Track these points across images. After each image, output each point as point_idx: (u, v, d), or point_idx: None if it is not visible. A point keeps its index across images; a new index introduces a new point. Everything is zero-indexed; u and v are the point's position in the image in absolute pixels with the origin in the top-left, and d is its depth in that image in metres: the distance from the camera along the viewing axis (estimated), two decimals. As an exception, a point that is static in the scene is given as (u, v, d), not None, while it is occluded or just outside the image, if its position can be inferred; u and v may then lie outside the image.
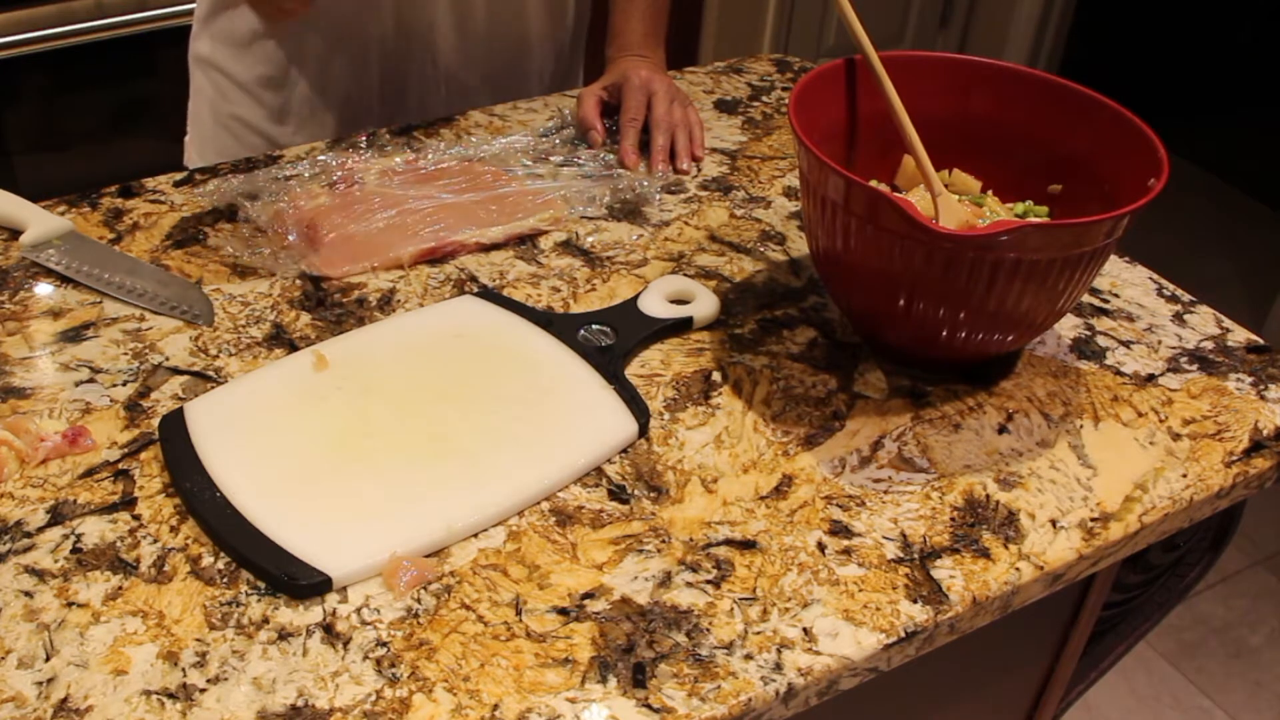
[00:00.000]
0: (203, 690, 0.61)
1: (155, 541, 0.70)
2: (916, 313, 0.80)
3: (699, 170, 1.13)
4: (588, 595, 0.68)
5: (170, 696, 0.61)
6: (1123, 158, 0.85)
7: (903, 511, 0.76)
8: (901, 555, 0.72)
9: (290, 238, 0.97)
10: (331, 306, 0.91)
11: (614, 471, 0.77)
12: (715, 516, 0.74)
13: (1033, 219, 0.89)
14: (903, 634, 0.68)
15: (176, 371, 0.83)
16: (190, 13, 1.27)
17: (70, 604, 0.66)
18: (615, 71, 1.20)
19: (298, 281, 0.93)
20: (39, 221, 0.95)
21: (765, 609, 0.68)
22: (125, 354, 0.85)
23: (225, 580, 0.68)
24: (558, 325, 0.88)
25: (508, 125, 1.18)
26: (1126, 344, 0.93)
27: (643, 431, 0.80)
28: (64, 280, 0.91)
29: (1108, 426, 0.84)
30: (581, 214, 1.04)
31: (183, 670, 0.62)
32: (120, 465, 0.75)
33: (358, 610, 0.67)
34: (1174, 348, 0.93)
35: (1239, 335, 0.95)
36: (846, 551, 0.72)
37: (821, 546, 0.73)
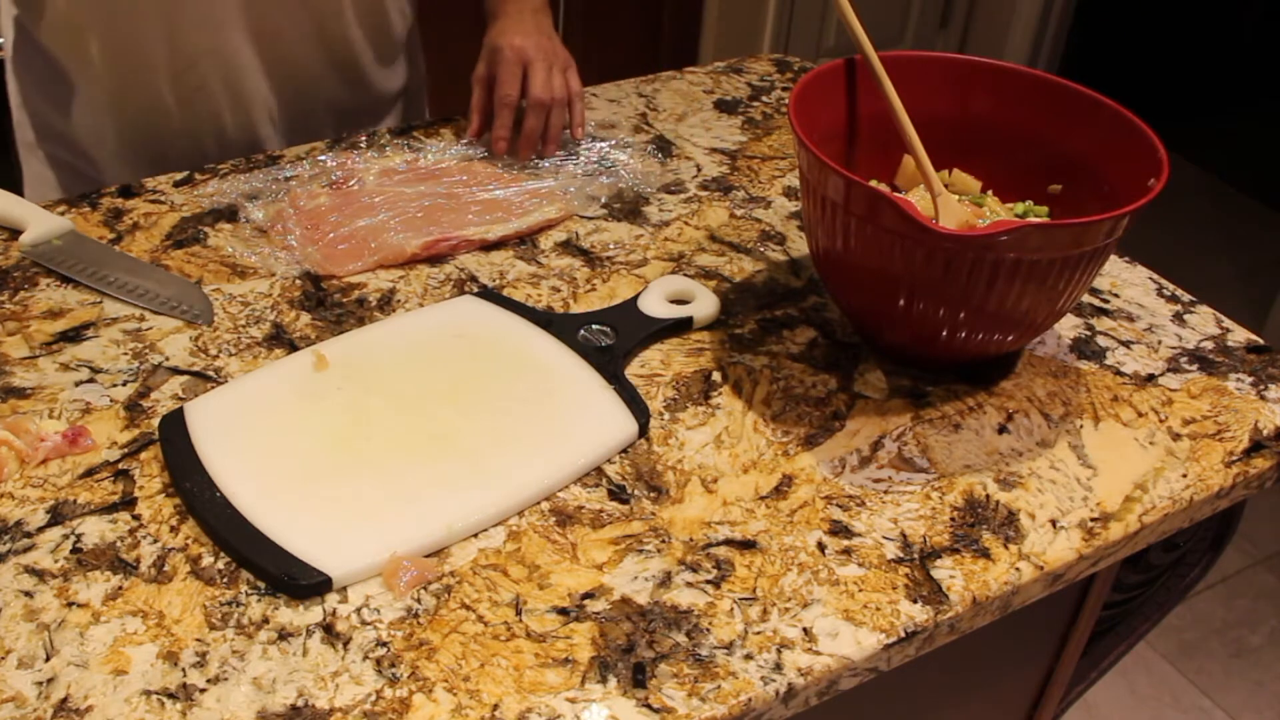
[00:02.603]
0: (203, 690, 0.61)
1: (155, 541, 0.70)
2: (916, 313, 0.80)
3: (586, 147, 1.04)
4: (588, 595, 0.68)
5: (170, 696, 0.61)
6: (1123, 158, 0.85)
7: (903, 511, 0.76)
8: (901, 555, 0.72)
9: (290, 238, 0.97)
10: (331, 306, 0.91)
11: (614, 471, 0.77)
12: (715, 516, 0.74)
13: (1033, 219, 0.89)
14: (903, 634, 0.68)
15: (176, 371, 0.83)
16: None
17: (70, 604, 0.66)
18: (487, 46, 1.09)
19: (298, 281, 0.93)
20: (39, 221, 0.95)
21: (765, 609, 0.68)
22: (125, 354, 0.85)
23: (225, 580, 0.68)
24: (558, 325, 0.87)
25: (508, 125, 1.18)
26: (1126, 344, 0.93)
27: (643, 431, 0.80)
28: (64, 280, 0.91)
29: (1108, 426, 0.84)
30: (581, 213, 1.04)
31: (183, 670, 0.62)
32: (120, 465, 0.75)
33: (358, 610, 0.66)
34: (1174, 348, 0.93)
35: (1239, 335, 0.95)
36: (846, 551, 0.72)
37: (821, 546, 0.73)
